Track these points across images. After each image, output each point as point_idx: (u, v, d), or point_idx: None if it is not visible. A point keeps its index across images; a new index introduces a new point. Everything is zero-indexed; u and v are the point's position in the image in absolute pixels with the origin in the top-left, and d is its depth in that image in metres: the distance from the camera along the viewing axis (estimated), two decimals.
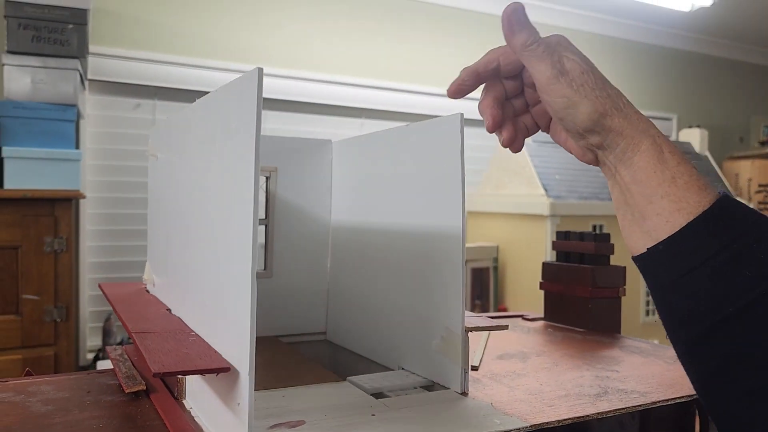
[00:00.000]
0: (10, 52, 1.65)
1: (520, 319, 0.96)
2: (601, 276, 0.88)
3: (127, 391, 0.54)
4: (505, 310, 2.43)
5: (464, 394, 0.57)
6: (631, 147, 0.45)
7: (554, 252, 0.96)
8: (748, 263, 0.40)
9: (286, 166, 0.81)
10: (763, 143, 3.44)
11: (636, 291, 2.29)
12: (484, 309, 2.42)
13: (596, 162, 0.49)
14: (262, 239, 0.80)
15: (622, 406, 0.55)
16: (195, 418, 0.49)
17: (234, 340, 0.41)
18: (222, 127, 0.46)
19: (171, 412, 0.49)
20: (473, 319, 0.61)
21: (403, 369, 0.65)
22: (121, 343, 1.95)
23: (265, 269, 0.80)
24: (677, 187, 0.43)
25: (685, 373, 0.46)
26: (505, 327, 0.60)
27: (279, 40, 2.40)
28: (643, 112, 0.48)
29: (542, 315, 0.96)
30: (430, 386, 0.61)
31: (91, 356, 2.04)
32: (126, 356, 0.66)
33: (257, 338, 0.54)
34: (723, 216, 0.42)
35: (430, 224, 0.62)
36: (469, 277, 2.41)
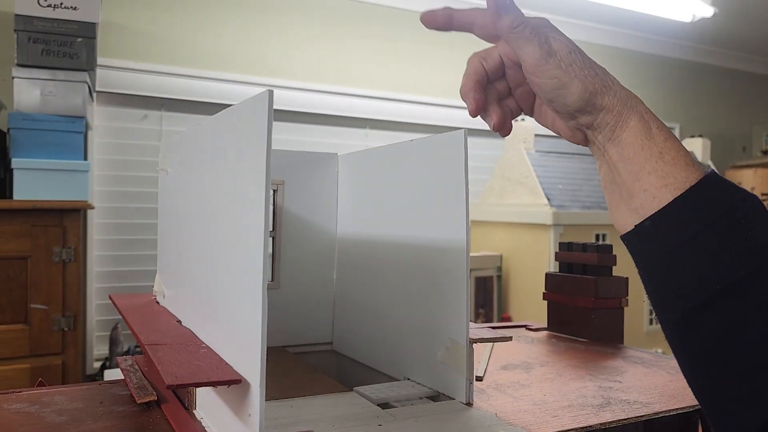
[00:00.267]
0: (20, 65, 1.67)
1: (523, 329, 0.97)
2: (604, 287, 0.89)
3: (138, 402, 0.55)
4: (508, 318, 2.44)
5: (469, 404, 0.58)
6: (620, 124, 0.45)
7: (557, 262, 0.97)
8: (736, 240, 0.40)
9: (293, 179, 0.82)
10: (765, 152, 3.44)
11: (638, 301, 2.29)
12: (488, 318, 2.43)
13: (585, 142, 0.49)
14: (269, 251, 0.81)
15: (625, 416, 0.56)
16: (206, 429, 0.50)
17: (245, 352, 0.42)
18: (233, 145, 0.47)
19: (182, 422, 0.51)
20: (478, 330, 0.62)
21: (408, 379, 0.66)
22: (128, 352, 1.96)
23: (272, 280, 0.81)
24: (664, 163, 0.43)
25: (687, 384, 0.45)
26: (509, 338, 0.61)
27: (284, 51, 2.42)
28: None
29: (545, 325, 0.97)
30: (435, 396, 0.62)
31: (98, 365, 2.06)
32: (136, 366, 0.67)
33: None
34: (710, 192, 0.41)
35: (435, 237, 0.63)
36: (473, 286, 2.42)
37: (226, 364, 0.45)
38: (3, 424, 0.50)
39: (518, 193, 2.48)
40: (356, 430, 0.50)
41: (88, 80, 1.74)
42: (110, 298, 0.74)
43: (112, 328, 1.96)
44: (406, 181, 0.69)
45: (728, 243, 0.40)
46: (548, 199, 2.32)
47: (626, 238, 0.45)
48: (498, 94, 0.53)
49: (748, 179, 3.17)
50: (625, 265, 0.85)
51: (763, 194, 3.10)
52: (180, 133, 0.65)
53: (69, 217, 1.64)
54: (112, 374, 1.64)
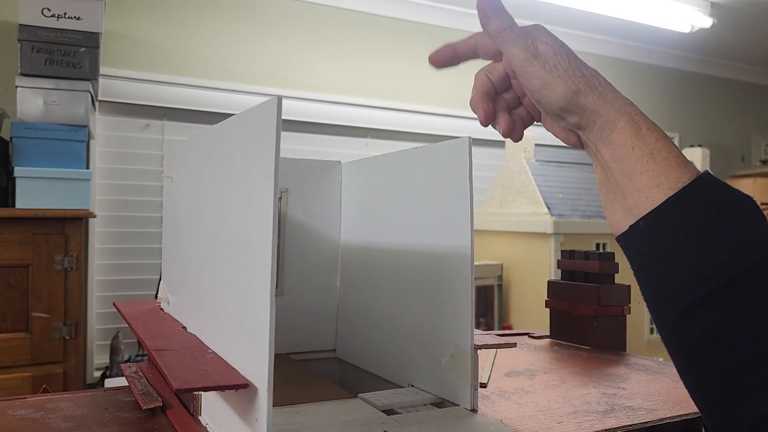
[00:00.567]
0: (24, 74, 1.68)
1: (526, 337, 0.97)
2: (606, 294, 0.89)
3: (144, 408, 0.55)
4: (509, 327, 2.43)
5: (474, 410, 0.58)
6: (608, 125, 0.46)
7: (558, 270, 0.97)
8: (729, 238, 0.40)
9: (296, 187, 0.83)
10: (764, 162, 3.45)
11: (640, 310, 2.29)
12: (489, 327, 2.43)
13: (579, 144, 0.50)
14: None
15: (629, 422, 0.56)
16: None
17: (252, 357, 0.43)
18: (241, 151, 0.47)
19: (188, 428, 0.51)
20: (482, 336, 0.62)
21: (412, 386, 0.67)
22: (128, 361, 1.96)
23: (276, 288, 0.81)
24: (656, 163, 0.43)
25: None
26: (514, 345, 0.61)
27: (285, 61, 2.43)
28: None
29: (548, 333, 0.97)
30: (439, 403, 0.62)
31: (98, 374, 2.05)
32: (141, 373, 0.67)
33: None
34: (703, 192, 0.42)
35: (439, 244, 0.63)
36: (474, 295, 2.42)
37: (233, 369, 0.46)
38: (9, 430, 0.50)
39: (519, 202, 2.49)
40: (361, 430, 0.50)
41: (91, 89, 1.75)
42: (114, 305, 0.74)
43: (113, 336, 1.96)
44: (410, 188, 0.69)
45: (721, 241, 0.40)
46: (548, 208, 2.33)
47: (621, 238, 0.46)
48: (507, 104, 0.56)
49: (747, 188, 3.17)
50: (627, 273, 0.85)
51: (762, 203, 3.11)
52: (185, 141, 0.66)
53: (71, 226, 1.64)
54: (113, 383, 1.63)
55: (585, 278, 0.92)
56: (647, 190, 0.43)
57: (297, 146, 2.45)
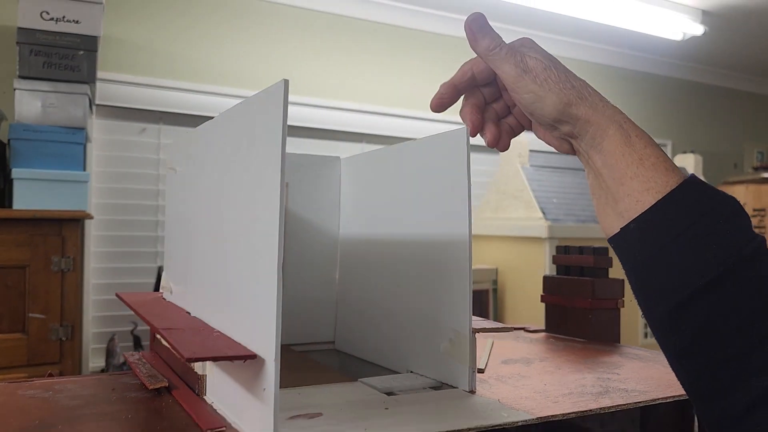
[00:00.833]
0: (22, 77, 1.69)
1: (522, 331, 0.99)
2: (601, 288, 0.90)
3: (150, 388, 0.56)
4: None
5: (472, 392, 0.59)
6: (599, 133, 0.48)
7: (554, 267, 0.99)
8: (716, 238, 0.42)
9: (296, 181, 0.84)
10: (756, 169, 3.49)
11: (635, 313, 2.31)
12: None
13: (572, 151, 0.52)
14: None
15: (623, 402, 0.57)
16: (217, 410, 0.51)
17: (259, 329, 0.44)
18: (248, 135, 0.49)
19: (194, 405, 0.52)
20: (479, 321, 0.64)
21: (411, 372, 0.68)
22: (124, 364, 1.96)
23: None
24: (645, 168, 0.45)
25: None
26: (511, 329, 0.63)
27: (282, 66, 2.45)
28: None
29: (543, 328, 0.99)
30: (438, 387, 0.63)
31: None
32: (144, 360, 0.68)
33: None
34: (690, 195, 0.44)
35: (438, 232, 0.65)
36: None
37: (240, 344, 0.47)
38: (19, 407, 0.51)
39: (513, 207, 2.51)
40: (363, 413, 0.52)
41: (89, 92, 1.76)
42: (117, 295, 0.75)
43: (109, 339, 1.96)
44: (409, 179, 0.71)
45: (707, 242, 0.42)
46: (543, 213, 2.35)
47: (613, 240, 0.48)
48: (497, 114, 0.59)
49: (739, 195, 3.21)
50: (620, 268, 0.87)
51: (755, 210, 3.15)
52: (189, 132, 0.67)
53: (68, 227, 1.65)
54: None
55: (580, 272, 0.94)
56: (637, 194, 0.45)
57: (292, 151, 2.46)
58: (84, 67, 1.74)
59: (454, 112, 0.61)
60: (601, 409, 0.55)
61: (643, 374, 0.68)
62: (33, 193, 1.64)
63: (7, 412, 0.50)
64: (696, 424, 0.65)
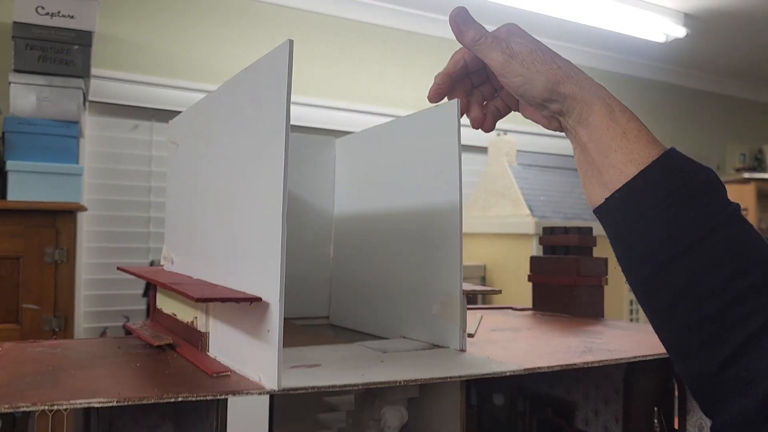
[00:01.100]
0: (17, 70, 1.71)
1: (509, 310, 1.02)
2: (585, 265, 0.94)
3: (155, 344, 0.59)
4: None
5: (462, 351, 0.62)
6: (586, 109, 0.51)
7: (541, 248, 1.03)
8: (694, 205, 0.45)
9: (291, 161, 0.86)
10: (738, 170, 3.57)
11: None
12: None
13: (560, 128, 0.55)
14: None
15: (605, 358, 0.61)
16: (221, 363, 0.54)
17: (264, 274, 0.47)
18: (251, 95, 0.52)
19: (198, 357, 0.54)
20: (468, 285, 0.67)
21: (404, 337, 0.71)
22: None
23: None
24: (628, 141, 0.49)
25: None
26: (499, 291, 0.66)
27: None
28: None
29: (530, 306, 1.02)
30: (430, 349, 0.66)
31: None
32: (146, 327, 0.70)
33: None
34: (670, 165, 0.47)
35: (429, 201, 0.68)
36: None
37: (245, 292, 0.50)
38: (32, 359, 0.54)
39: (501, 204, 2.55)
40: (360, 364, 0.55)
41: (83, 87, 1.78)
42: (119, 268, 0.78)
43: (101, 333, 1.97)
44: (402, 153, 0.74)
45: (688, 208, 0.46)
46: (530, 210, 2.39)
47: (598, 211, 0.51)
48: (482, 97, 0.62)
49: None
50: (604, 247, 0.91)
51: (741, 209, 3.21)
52: (192, 106, 0.70)
53: (62, 219, 1.66)
54: None
55: (565, 252, 0.98)
56: (621, 165, 0.49)
57: None
58: (79, 61, 1.76)
59: None
60: (585, 363, 0.59)
61: (625, 339, 0.72)
62: (27, 185, 1.65)
63: (20, 362, 0.52)
64: (676, 386, 0.68)
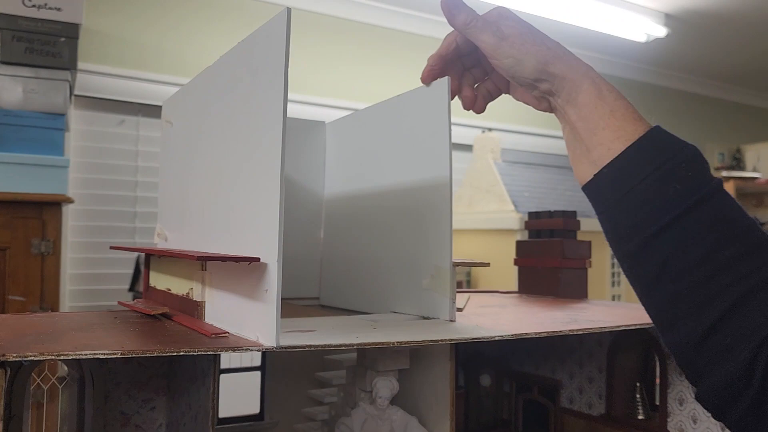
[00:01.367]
0: (4, 62, 1.70)
1: (495, 293, 1.04)
2: (570, 248, 0.96)
3: (152, 314, 0.60)
4: None
5: (452, 321, 0.64)
6: (574, 88, 0.53)
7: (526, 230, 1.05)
8: (679, 179, 0.47)
9: None
10: (717, 169, 3.63)
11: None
12: None
13: (550, 109, 0.57)
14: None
15: (589, 327, 0.63)
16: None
17: (261, 236, 0.48)
18: (250, 65, 0.53)
19: (196, 323, 0.56)
20: (458, 260, 0.69)
21: (394, 312, 0.72)
22: None
23: None
24: (615, 119, 0.51)
25: (647, 314, 0.51)
26: (487, 264, 0.68)
27: None
28: None
29: (516, 290, 1.04)
30: (421, 320, 0.68)
31: None
32: (140, 303, 0.71)
33: None
34: (656, 141, 0.49)
35: (420, 177, 0.70)
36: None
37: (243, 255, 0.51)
38: (30, 324, 0.55)
39: (486, 201, 2.58)
40: (353, 329, 0.56)
41: (70, 79, 1.78)
42: (112, 247, 0.78)
43: None
44: (393, 132, 0.76)
45: (672, 182, 0.47)
46: (515, 206, 2.42)
47: (587, 187, 0.53)
48: (474, 79, 0.64)
49: None
50: (588, 231, 0.93)
51: None
52: (188, 83, 0.71)
53: (48, 210, 1.66)
54: None
55: (550, 235, 1.00)
56: (608, 143, 0.50)
57: None
58: (65, 53, 1.75)
59: None
60: (570, 330, 0.61)
61: (608, 312, 0.74)
62: (13, 176, 1.64)
63: (20, 328, 0.53)
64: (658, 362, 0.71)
